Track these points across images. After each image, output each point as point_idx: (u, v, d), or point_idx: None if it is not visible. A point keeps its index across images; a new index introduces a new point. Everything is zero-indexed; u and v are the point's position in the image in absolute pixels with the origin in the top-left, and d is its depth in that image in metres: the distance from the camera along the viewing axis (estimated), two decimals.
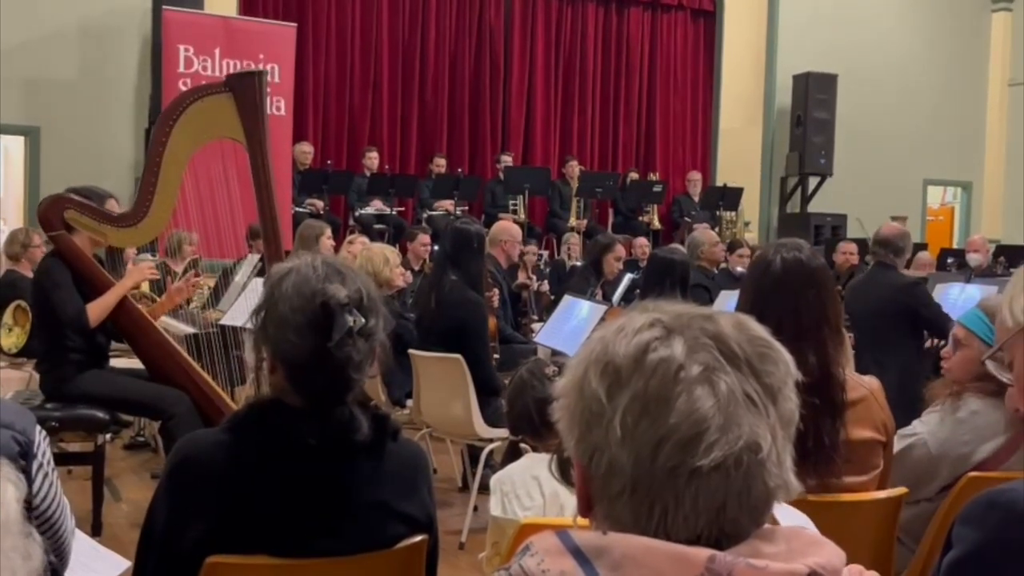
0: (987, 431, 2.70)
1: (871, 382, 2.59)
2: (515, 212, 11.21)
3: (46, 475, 1.93)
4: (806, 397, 1.06)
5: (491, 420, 4.77)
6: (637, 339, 1.00)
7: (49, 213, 4.33)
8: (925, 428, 2.78)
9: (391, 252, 5.77)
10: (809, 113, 13.34)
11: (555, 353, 5.05)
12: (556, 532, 1.00)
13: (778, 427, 0.99)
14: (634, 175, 12.90)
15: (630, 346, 1.00)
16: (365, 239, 6.98)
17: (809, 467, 2.32)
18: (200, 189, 4.63)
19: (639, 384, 0.98)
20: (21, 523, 0.96)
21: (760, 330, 1.03)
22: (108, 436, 4.78)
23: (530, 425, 2.68)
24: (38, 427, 1.94)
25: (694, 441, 0.96)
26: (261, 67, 9.12)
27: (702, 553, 0.94)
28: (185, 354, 4.48)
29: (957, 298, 6.30)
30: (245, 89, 4.27)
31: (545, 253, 10.69)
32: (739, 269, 7.84)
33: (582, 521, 1.08)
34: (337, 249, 6.77)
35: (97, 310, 4.32)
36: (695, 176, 13.28)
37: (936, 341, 5.79)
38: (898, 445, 2.70)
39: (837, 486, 2.42)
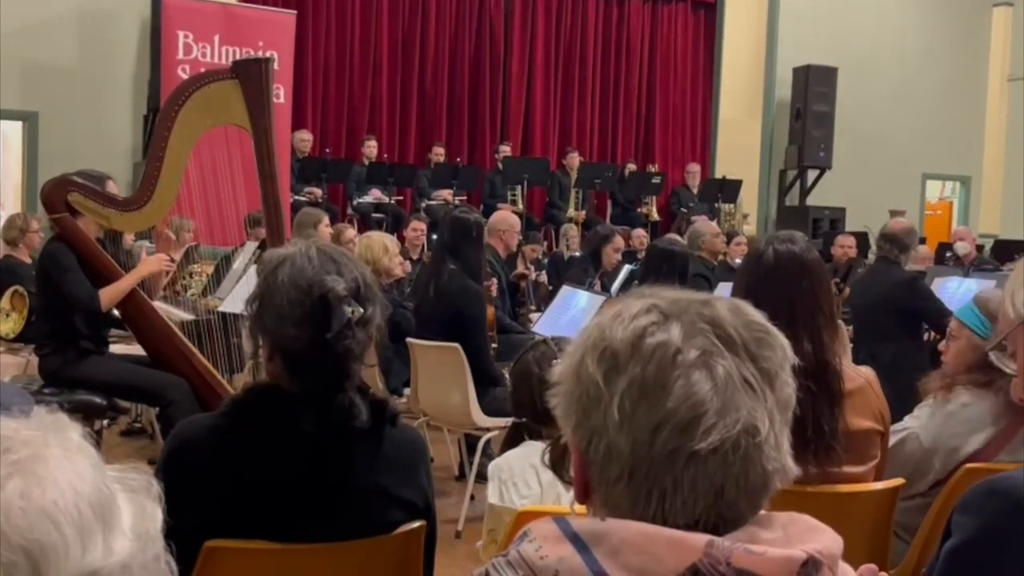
0: (977, 422, 2.71)
1: (867, 372, 2.59)
2: (514, 203, 11.20)
3: None
4: (802, 381, 1.06)
5: (489, 409, 4.77)
6: (634, 324, 1.01)
7: (53, 195, 4.29)
8: (916, 422, 2.79)
9: (390, 241, 5.75)
10: (809, 106, 13.31)
11: (555, 338, 5.04)
12: (554, 518, 1.00)
13: (776, 411, 0.99)
14: (633, 166, 12.88)
15: (627, 331, 1.00)
16: (353, 232, 6.94)
17: (810, 456, 2.32)
18: (204, 175, 4.59)
19: (636, 369, 0.98)
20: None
21: (757, 315, 1.03)
22: (105, 422, 4.77)
23: (533, 412, 2.68)
24: (37, 408, 1.94)
25: (692, 425, 0.96)
26: (261, 54, 9.10)
27: (700, 539, 0.94)
28: (187, 341, 4.46)
29: (955, 291, 6.30)
30: (251, 76, 4.22)
31: (544, 244, 10.68)
32: (737, 260, 7.83)
33: (579, 509, 1.08)
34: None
35: (110, 295, 4.28)
36: (694, 168, 13.25)
37: (933, 336, 5.77)
38: (890, 440, 2.71)
39: (837, 476, 2.42)
